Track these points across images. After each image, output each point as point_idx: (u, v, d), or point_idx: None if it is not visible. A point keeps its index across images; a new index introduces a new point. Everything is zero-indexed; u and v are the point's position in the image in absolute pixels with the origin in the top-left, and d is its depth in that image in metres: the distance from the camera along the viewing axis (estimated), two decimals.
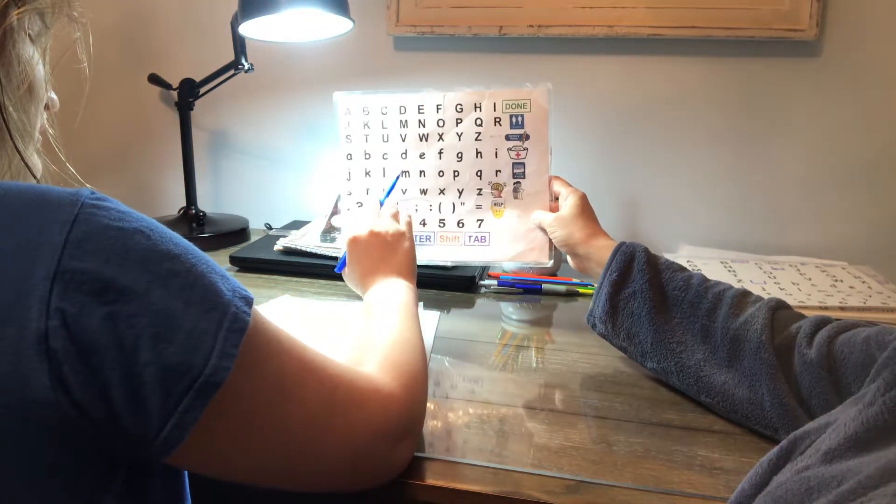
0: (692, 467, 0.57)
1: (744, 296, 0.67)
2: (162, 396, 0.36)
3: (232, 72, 1.17)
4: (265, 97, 1.32)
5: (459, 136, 0.89)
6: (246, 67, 1.16)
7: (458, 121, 0.88)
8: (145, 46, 1.35)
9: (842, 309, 0.89)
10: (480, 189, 0.89)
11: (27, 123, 0.48)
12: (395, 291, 0.70)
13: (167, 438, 0.37)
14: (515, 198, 0.88)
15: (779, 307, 0.64)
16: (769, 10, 1.09)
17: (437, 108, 0.89)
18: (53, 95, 0.53)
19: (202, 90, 1.20)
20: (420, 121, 0.89)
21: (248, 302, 0.41)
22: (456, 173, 0.90)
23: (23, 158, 0.47)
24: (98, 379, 0.35)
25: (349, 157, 0.92)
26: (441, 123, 0.89)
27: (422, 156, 0.90)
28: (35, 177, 0.49)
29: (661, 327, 0.68)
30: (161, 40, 1.34)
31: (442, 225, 0.91)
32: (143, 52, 1.35)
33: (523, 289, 1.01)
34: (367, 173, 0.92)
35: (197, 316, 0.38)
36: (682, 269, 0.71)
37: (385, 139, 0.91)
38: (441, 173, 0.90)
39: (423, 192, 0.91)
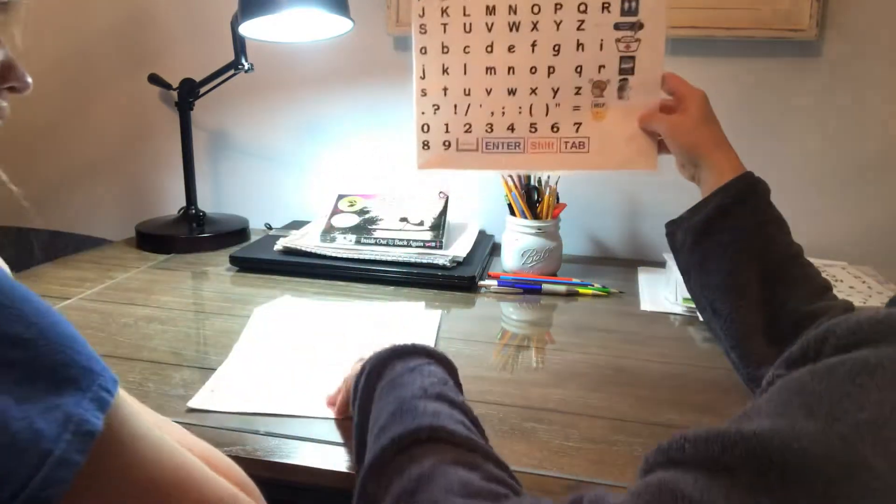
0: None
1: (824, 290, 0.65)
2: None
3: (232, 72, 1.17)
4: (265, 97, 1.32)
5: (558, 25, 0.76)
6: (246, 67, 1.16)
7: (558, 6, 0.76)
8: (145, 46, 1.35)
9: None
10: (579, 88, 0.77)
11: None
12: None
13: None
14: (620, 98, 0.76)
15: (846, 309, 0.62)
16: (769, 10, 1.09)
17: None
18: (3, 103, 0.47)
19: (202, 90, 1.20)
20: (511, 6, 0.76)
21: (103, 405, 0.34)
22: (551, 69, 0.77)
23: None
24: None
25: (423, 51, 0.79)
26: (536, 10, 0.76)
27: (511, 49, 0.77)
28: None
29: (735, 270, 0.65)
30: (161, 40, 1.34)
31: (533, 130, 0.78)
32: (143, 52, 1.35)
33: (523, 289, 1.01)
34: (445, 70, 0.79)
35: (31, 415, 0.31)
36: (788, 231, 0.69)
37: (467, 28, 0.77)
38: (533, 70, 0.77)
39: (512, 91, 0.78)
